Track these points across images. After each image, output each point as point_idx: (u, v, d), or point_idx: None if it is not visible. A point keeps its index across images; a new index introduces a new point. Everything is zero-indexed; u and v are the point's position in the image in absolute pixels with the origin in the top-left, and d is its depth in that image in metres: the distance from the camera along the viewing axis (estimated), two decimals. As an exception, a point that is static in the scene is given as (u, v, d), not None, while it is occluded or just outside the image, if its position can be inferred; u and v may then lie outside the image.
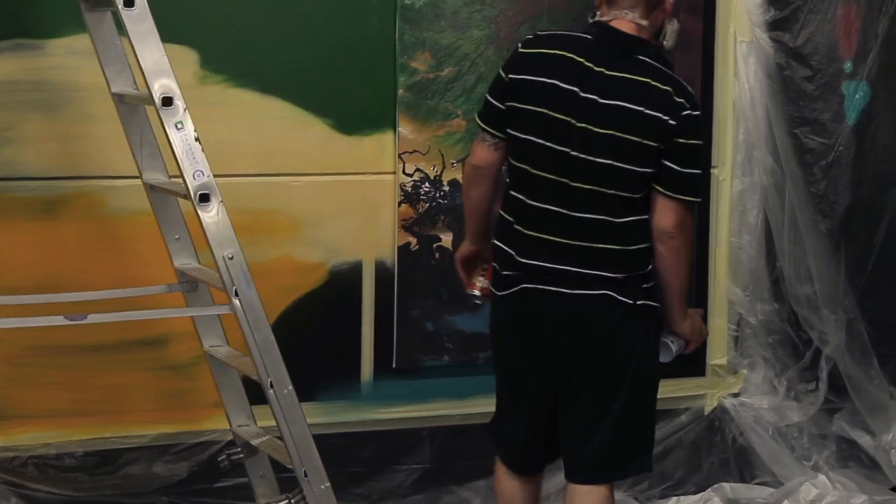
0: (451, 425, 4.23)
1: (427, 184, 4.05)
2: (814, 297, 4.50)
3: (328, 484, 3.07)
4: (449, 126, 4.06)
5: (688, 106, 3.15)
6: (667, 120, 3.11)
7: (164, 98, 2.79)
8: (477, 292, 3.53)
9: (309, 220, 3.94)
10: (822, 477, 4.57)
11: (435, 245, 4.09)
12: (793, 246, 4.49)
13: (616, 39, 3.20)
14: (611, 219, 3.17)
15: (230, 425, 3.41)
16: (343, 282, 4.01)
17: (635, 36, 3.20)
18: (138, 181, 3.43)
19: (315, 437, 3.22)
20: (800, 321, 4.56)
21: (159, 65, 2.80)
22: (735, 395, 4.62)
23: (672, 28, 3.33)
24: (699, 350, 4.31)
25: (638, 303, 3.23)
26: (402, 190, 4.02)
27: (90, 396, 3.76)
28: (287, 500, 3.07)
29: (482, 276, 3.52)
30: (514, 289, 3.27)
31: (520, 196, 3.26)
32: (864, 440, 4.65)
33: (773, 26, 4.39)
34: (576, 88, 3.15)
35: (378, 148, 4.01)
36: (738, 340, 4.62)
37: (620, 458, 3.39)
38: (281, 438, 3.18)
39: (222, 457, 3.45)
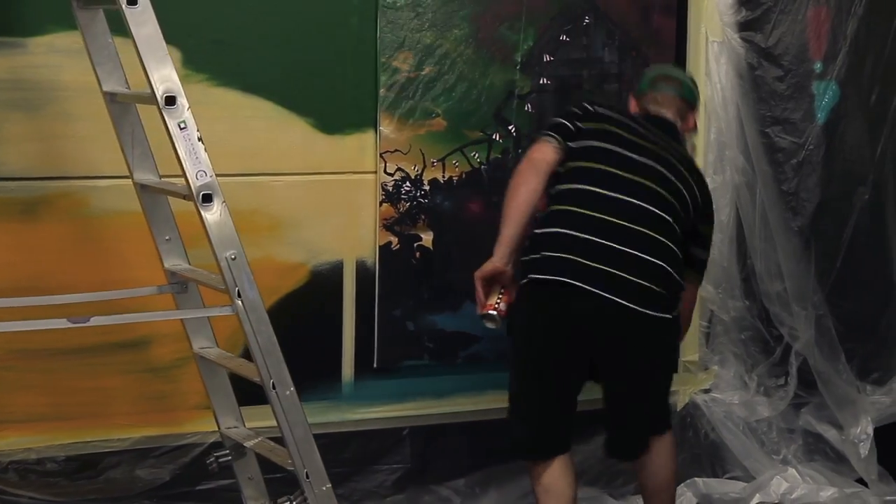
0: (432, 424, 4.23)
1: (408, 183, 4.04)
2: (784, 293, 4.55)
3: (329, 485, 3.07)
4: (430, 125, 4.06)
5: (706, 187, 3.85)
6: (708, 186, 3.83)
7: (167, 97, 2.75)
8: (493, 312, 3.56)
9: (290, 220, 3.91)
10: (791, 470, 4.63)
11: (416, 244, 4.08)
12: (764, 244, 4.53)
13: (661, 121, 3.77)
14: (673, 221, 3.55)
15: (219, 427, 3.37)
16: (324, 282, 3.99)
17: (675, 127, 3.79)
18: (121, 181, 3.41)
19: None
20: (770, 318, 4.61)
21: (162, 64, 2.77)
22: (706, 391, 4.66)
23: (690, 143, 3.94)
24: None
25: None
26: (384, 189, 4.01)
27: (71, 400, 3.70)
28: (288, 502, 3.05)
29: (499, 298, 3.55)
30: (573, 280, 3.45)
31: (596, 189, 3.53)
32: (829, 434, 4.70)
33: (745, 27, 4.44)
34: (642, 130, 3.68)
35: (359, 147, 3.99)
36: (709, 337, 4.67)
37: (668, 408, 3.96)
38: (274, 440, 3.20)
39: (210, 459, 3.41)
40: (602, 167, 3.56)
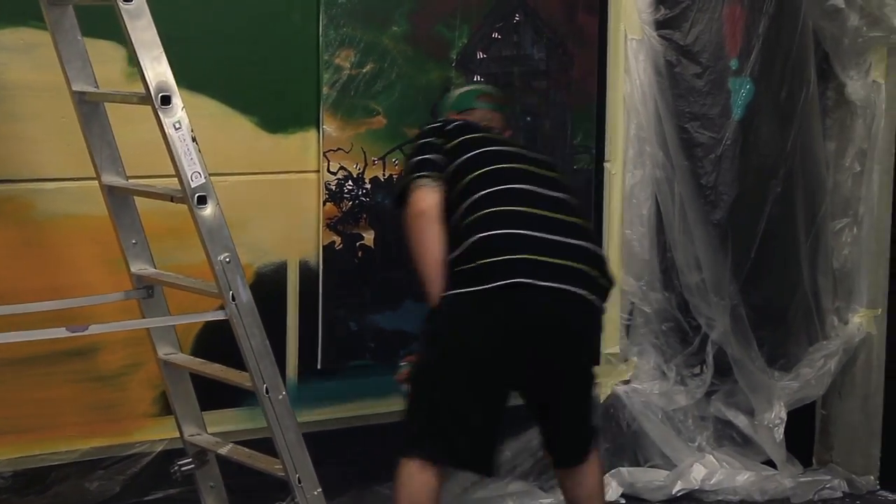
0: (374, 424, 4.19)
1: (350, 182, 4.00)
2: (702, 284, 4.67)
3: (320, 489, 3.03)
4: (370, 123, 4.02)
5: None
6: None
7: (163, 97, 2.68)
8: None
9: (236, 220, 3.76)
10: (709, 457, 4.77)
11: (358, 244, 4.04)
12: (683, 236, 4.64)
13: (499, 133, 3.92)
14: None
15: (182, 435, 3.30)
16: (268, 283, 3.91)
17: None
18: (68, 184, 3.36)
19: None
20: (689, 309, 4.73)
21: (158, 62, 2.69)
22: (626, 382, 4.74)
23: None
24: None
25: None
26: (327, 188, 3.96)
27: (16, 413, 3.54)
28: (281, 507, 3.01)
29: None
30: (534, 280, 3.35)
31: (515, 186, 3.48)
32: (738, 420, 4.86)
33: (663, 25, 4.53)
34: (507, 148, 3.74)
35: (302, 146, 3.93)
36: (629, 329, 4.75)
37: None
38: (240, 444, 3.22)
39: (174, 468, 3.32)
40: (505, 166, 3.51)
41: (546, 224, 3.41)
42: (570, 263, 3.39)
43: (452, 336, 3.42)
